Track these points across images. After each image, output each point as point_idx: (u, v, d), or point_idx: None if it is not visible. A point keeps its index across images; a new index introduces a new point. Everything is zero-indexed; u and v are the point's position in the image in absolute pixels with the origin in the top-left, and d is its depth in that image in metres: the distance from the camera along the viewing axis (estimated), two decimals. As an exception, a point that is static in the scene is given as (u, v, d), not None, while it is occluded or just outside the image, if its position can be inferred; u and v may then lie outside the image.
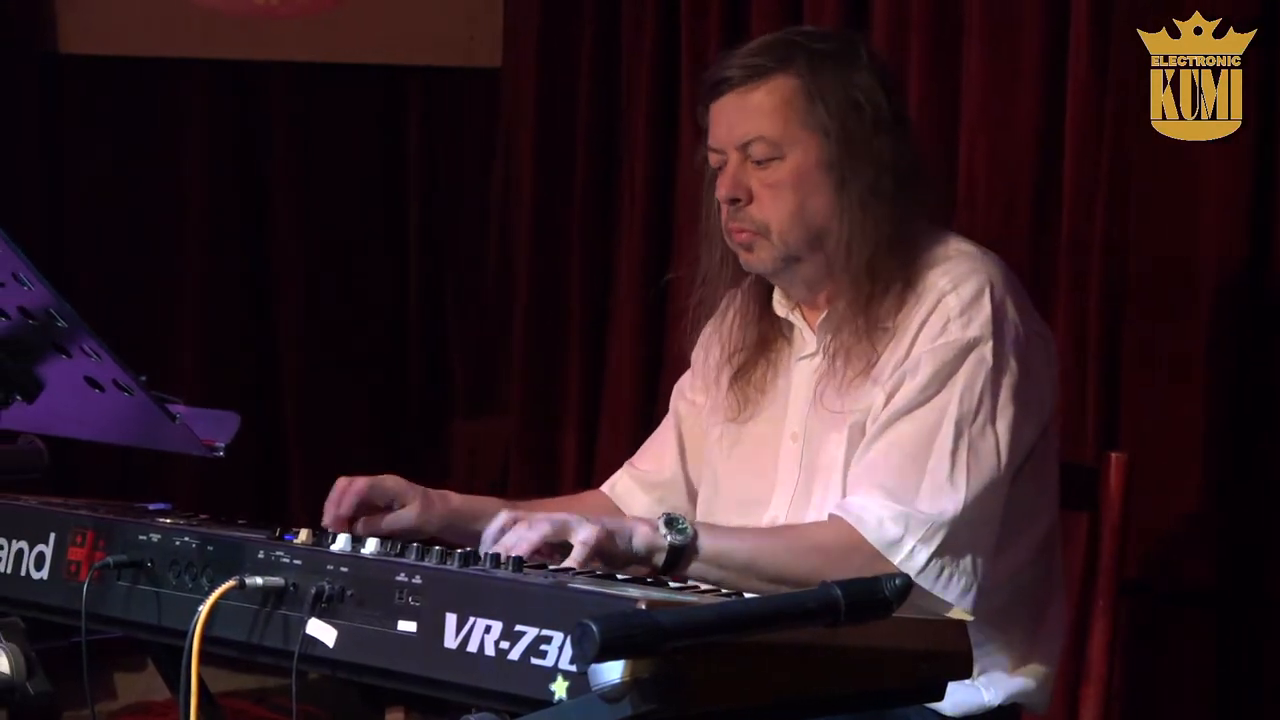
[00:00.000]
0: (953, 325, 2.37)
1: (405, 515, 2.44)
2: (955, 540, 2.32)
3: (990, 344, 2.37)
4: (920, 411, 2.36)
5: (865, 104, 2.41)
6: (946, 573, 2.31)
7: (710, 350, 2.62)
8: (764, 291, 2.57)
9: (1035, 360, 2.43)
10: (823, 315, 2.48)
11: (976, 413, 2.35)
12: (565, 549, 2.15)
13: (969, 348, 2.37)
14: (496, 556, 1.95)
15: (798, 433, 2.50)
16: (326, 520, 2.38)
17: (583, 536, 2.15)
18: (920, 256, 2.42)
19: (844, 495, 2.39)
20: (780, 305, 2.55)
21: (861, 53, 2.46)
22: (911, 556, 2.30)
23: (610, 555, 2.17)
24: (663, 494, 2.67)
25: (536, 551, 2.12)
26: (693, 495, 2.66)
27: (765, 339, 2.56)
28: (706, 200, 2.53)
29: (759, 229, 2.42)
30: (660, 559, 2.21)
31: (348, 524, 2.39)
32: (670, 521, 2.23)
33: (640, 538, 2.20)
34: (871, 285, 2.40)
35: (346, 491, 2.40)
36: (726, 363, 2.57)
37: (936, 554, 2.30)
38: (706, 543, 2.24)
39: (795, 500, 2.50)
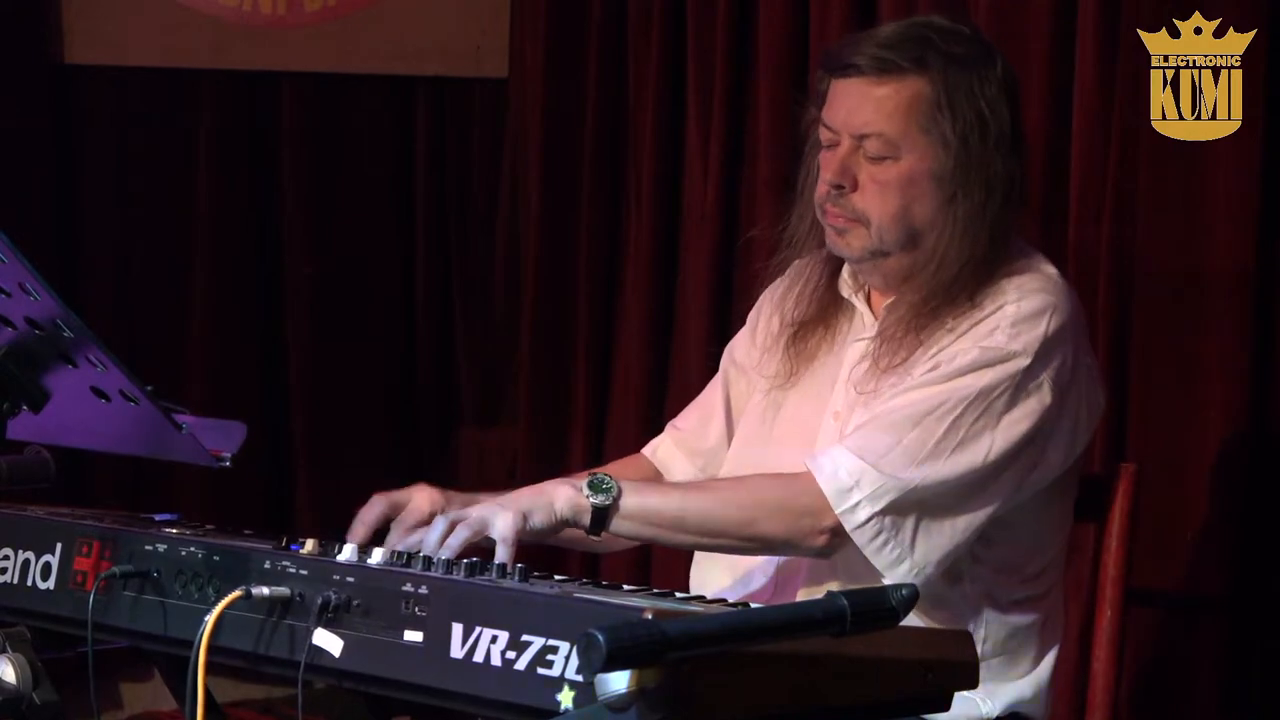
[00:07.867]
0: (999, 334, 2.34)
1: None
2: (903, 508, 2.29)
3: (1027, 364, 2.33)
4: (926, 390, 2.33)
5: (990, 119, 2.36)
6: (882, 538, 2.29)
7: (769, 315, 2.58)
8: (833, 268, 2.53)
9: (1072, 396, 2.38)
10: (889, 300, 2.44)
11: (981, 415, 2.31)
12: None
13: (1005, 359, 2.33)
14: (504, 566, 1.96)
15: (840, 411, 2.46)
16: (354, 537, 2.29)
17: (499, 532, 2.15)
18: (1004, 274, 2.38)
19: None
20: (845, 286, 2.51)
21: (996, 63, 2.39)
22: (854, 510, 2.28)
23: (537, 533, 2.18)
24: (705, 462, 2.63)
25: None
26: None
27: (826, 314, 2.52)
28: (808, 163, 2.48)
29: (858, 218, 2.39)
30: (585, 519, 2.23)
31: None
32: (593, 483, 2.23)
33: (563, 501, 2.21)
34: (950, 295, 2.37)
35: (365, 520, 2.32)
36: (785, 328, 2.53)
37: (879, 514, 2.28)
38: (631, 501, 2.24)
39: None
